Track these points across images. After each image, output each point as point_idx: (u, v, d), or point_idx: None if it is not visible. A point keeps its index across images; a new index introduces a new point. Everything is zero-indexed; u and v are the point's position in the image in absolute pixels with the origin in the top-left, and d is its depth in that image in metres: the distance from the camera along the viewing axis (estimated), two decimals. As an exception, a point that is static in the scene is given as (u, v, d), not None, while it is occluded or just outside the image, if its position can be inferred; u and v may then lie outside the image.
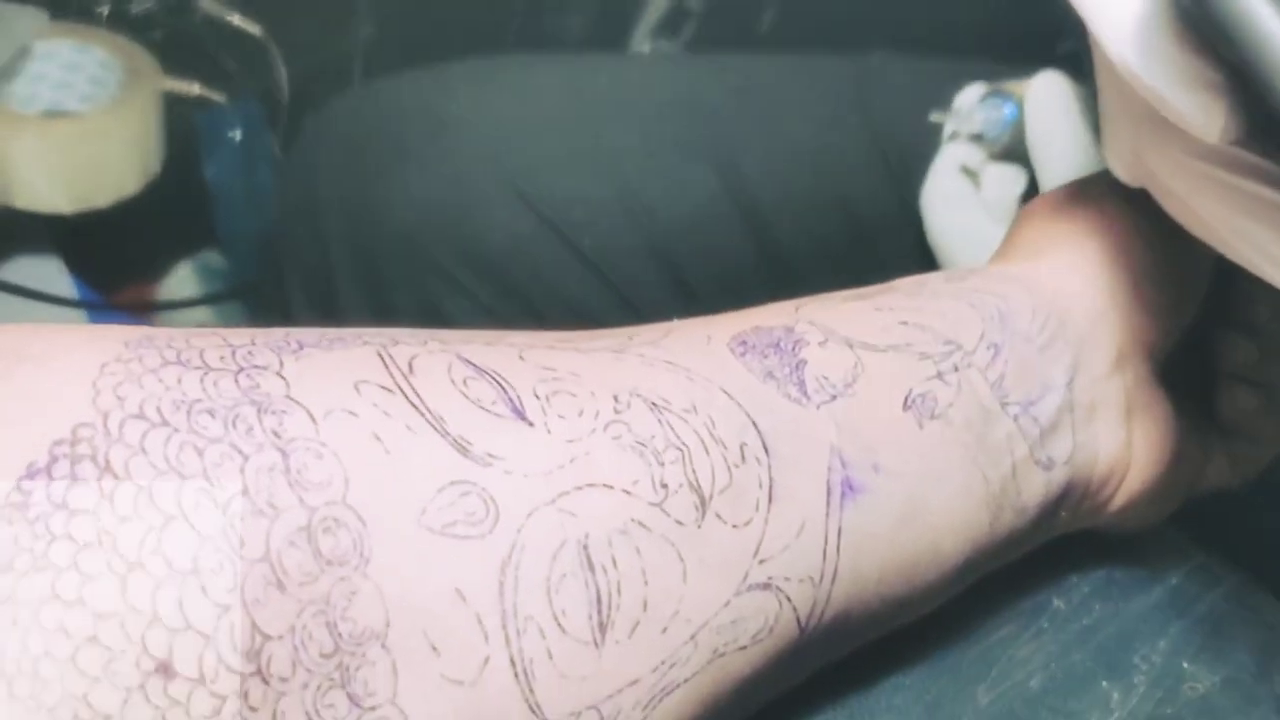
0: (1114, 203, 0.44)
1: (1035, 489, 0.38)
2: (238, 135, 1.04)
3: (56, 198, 0.93)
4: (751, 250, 0.72)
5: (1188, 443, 0.45)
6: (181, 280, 1.16)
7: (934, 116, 0.68)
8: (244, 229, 1.08)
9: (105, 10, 1.01)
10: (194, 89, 1.04)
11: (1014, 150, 0.66)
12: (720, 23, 1.20)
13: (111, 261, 1.11)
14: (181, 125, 1.02)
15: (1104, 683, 0.39)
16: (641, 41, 1.20)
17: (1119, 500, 0.42)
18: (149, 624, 0.23)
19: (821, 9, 1.16)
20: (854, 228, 0.74)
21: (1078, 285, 0.41)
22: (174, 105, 1.01)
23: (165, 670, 0.23)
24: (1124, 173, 0.41)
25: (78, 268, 1.05)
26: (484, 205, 0.70)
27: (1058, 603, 0.42)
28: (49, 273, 1.03)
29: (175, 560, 0.23)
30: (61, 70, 0.96)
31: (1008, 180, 0.67)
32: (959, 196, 0.66)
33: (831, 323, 0.36)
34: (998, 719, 0.37)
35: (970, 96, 0.68)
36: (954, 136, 0.67)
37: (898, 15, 0.93)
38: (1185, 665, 0.41)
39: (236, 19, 1.04)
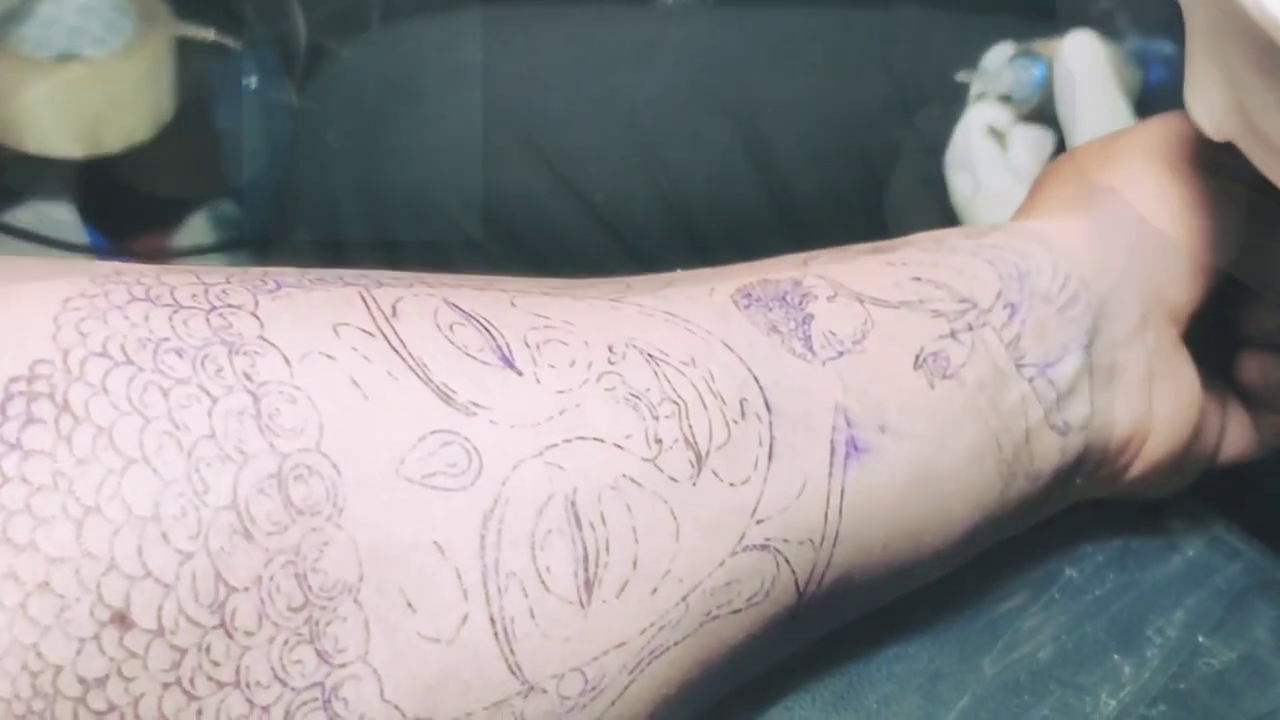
0: (1144, 162, 0.43)
1: (1050, 454, 0.37)
2: (253, 82, 1.03)
3: (68, 142, 0.93)
4: (767, 205, 0.71)
5: (1210, 411, 0.44)
6: (196, 229, 1.16)
7: (961, 76, 0.67)
8: (259, 178, 1.07)
9: (119, -48, 1.00)
10: (209, 35, 1.03)
11: (1043, 112, 0.65)
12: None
13: (124, 209, 1.11)
14: (196, 73, 1.02)
15: (1116, 655, 0.39)
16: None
17: (1137, 468, 0.41)
18: (105, 571, 0.22)
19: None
20: (873, 186, 0.73)
21: (1102, 245, 0.40)
22: (188, 51, 1.00)
23: (122, 620, 0.22)
24: (1210, 125, 0.40)
25: (90, 214, 1.05)
26: (496, 157, 0.70)
27: (1070, 572, 0.41)
28: (61, 219, 1.03)
29: (135, 505, 0.23)
30: (74, 14, 0.95)
31: (1036, 143, 0.66)
32: (985, 158, 0.65)
33: (841, 277, 0.35)
34: (1003, 691, 0.36)
35: (999, 56, 0.67)
36: (981, 96, 0.66)
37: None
38: (1201, 640, 0.40)
39: (253, -37, 1.03)
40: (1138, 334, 0.40)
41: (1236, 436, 0.47)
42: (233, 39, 1.04)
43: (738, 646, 0.30)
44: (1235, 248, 0.44)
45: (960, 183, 0.65)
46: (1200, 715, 0.38)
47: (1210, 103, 0.39)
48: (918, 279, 0.36)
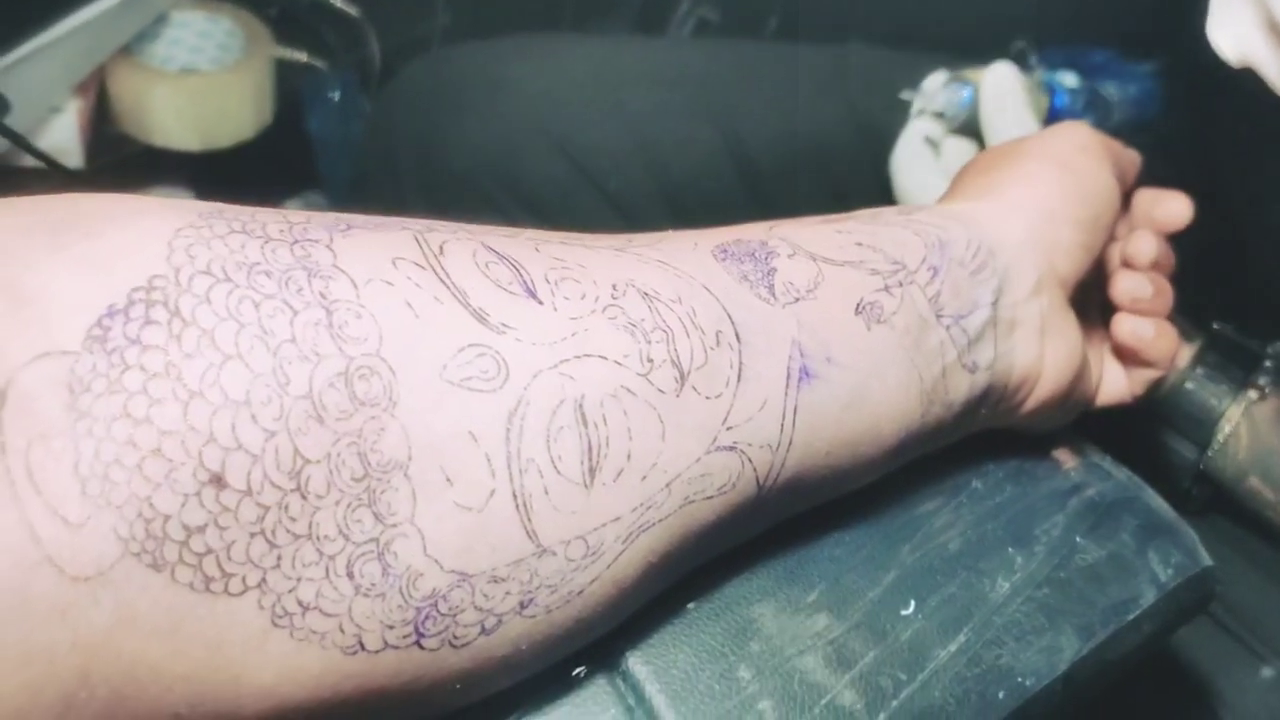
0: (1043, 160, 0.43)
1: (961, 388, 0.37)
2: (336, 96, 1.02)
3: (187, 138, 0.92)
4: (745, 199, 0.71)
5: (1090, 362, 0.44)
6: (291, 214, 1.15)
7: (904, 94, 0.67)
8: (340, 173, 1.07)
9: (231, -12, 0.99)
10: (302, 57, 1.02)
11: (969, 126, 0.64)
12: (733, 32, 1.19)
13: (232, 195, 1.09)
14: (291, 87, 1.01)
15: (1010, 549, 0.38)
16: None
17: (1030, 404, 0.41)
18: (205, 442, 0.22)
19: (818, 15, 1.14)
20: (832, 185, 0.73)
21: (1008, 223, 0.40)
22: (285, 70, 1.00)
23: (218, 482, 0.22)
24: (1233, 51, 0.40)
25: (206, 198, 1.04)
26: (528, 152, 0.70)
27: (976, 483, 0.41)
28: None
29: (231, 392, 0.23)
30: (194, 36, 0.94)
31: (963, 150, 0.65)
32: (922, 161, 0.64)
33: (799, 239, 0.35)
34: (920, 572, 0.36)
35: (935, 80, 0.66)
36: (920, 113, 0.66)
37: (877, 19, 0.91)
38: (1078, 539, 0.40)
39: (339, 2, 1.02)
40: (1034, 295, 0.39)
41: (1112, 385, 0.47)
42: (321, 61, 1.03)
43: (709, 526, 0.30)
44: (1109, 229, 0.44)
45: (902, 180, 0.64)
46: (1075, 598, 0.37)
47: (1236, 27, 0.38)
48: (859, 244, 0.36)
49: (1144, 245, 0.45)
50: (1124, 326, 0.45)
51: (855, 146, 0.72)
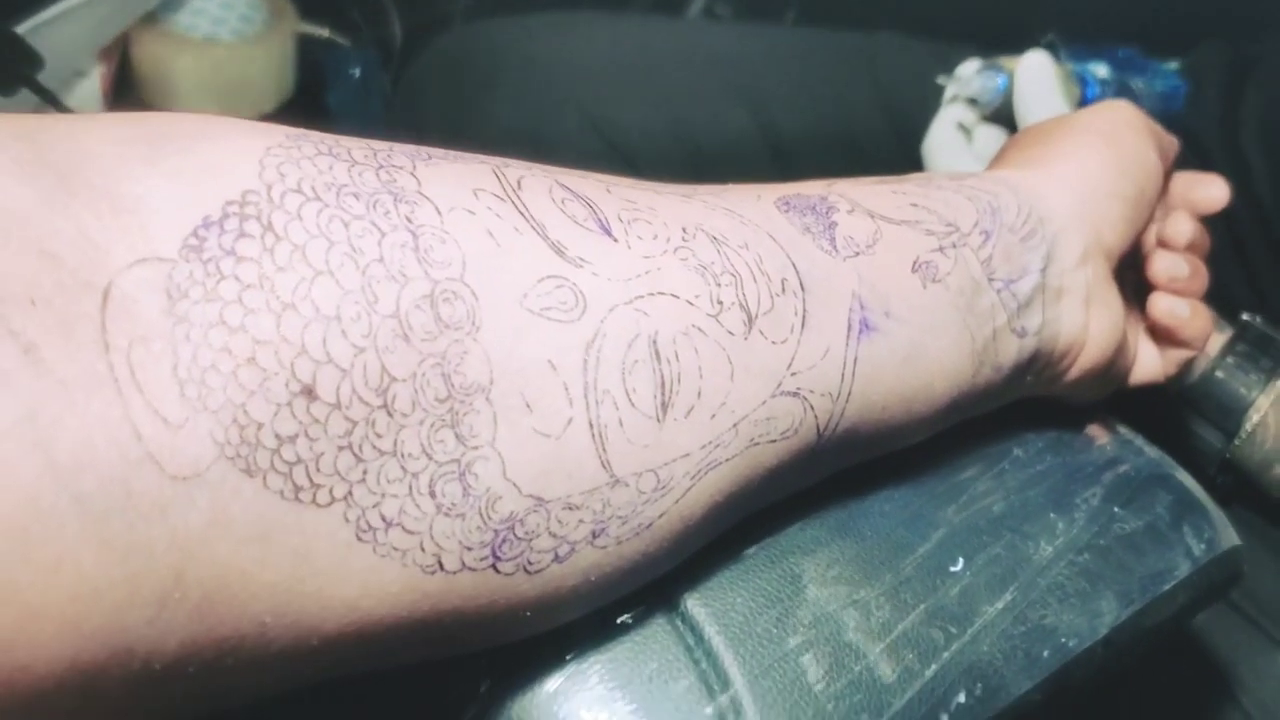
0: (1091, 134, 0.43)
1: (1010, 351, 0.37)
2: (357, 73, 1.03)
3: (208, 106, 0.93)
4: (773, 176, 0.71)
5: (1128, 338, 0.44)
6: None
7: (939, 79, 0.67)
8: (358, 151, 1.07)
9: (257, -39, 1.00)
10: (324, 32, 1.03)
11: (1001, 113, 0.65)
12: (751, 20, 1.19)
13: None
14: (312, 61, 1.01)
15: (1052, 514, 0.38)
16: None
17: (1073, 373, 0.41)
18: (298, 354, 0.22)
19: (835, 9, 1.15)
20: (862, 168, 0.73)
21: (1056, 194, 0.40)
22: (307, 44, 1.00)
23: (309, 393, 0.22)
24: None
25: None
26: (560, 128, 0.70)
27: (1017, 451, 0.41)
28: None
29: (322, 306, 0.23)
30: (217, 6, 0.95)
31: (995, 137, 0.66)
32: (955, 147, 0.65)
33: (858, 197, 0.35)
34: (966, 531, 0.36)
35: (969, 67, 0.67)
36: (954, 99, 0.67)
37: (903, 11, 0.92)
38: (1116, 509, 0.40)
39: (362, -22, 1.03)
40: (1080, 265, 0.40)
41: (1146, 363, 0.47)
42: (343, 37, 1.04)
43: (771, 470, 0.30)
44: (1152, 205, 0.45)
45: (935, 165, 0.65)
46: (1115, 565, 0.38)
47: None
48: (915, 205, 0.36)
49: (1181, 226, 0.46)
50: (1161, 305, 0.45)
51: (885, 131, 0.73)
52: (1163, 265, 0.46)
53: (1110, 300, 0.41)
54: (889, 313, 0.33)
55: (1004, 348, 0.37)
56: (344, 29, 1.04)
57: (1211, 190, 0.49)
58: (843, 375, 0.31)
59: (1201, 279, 0.46)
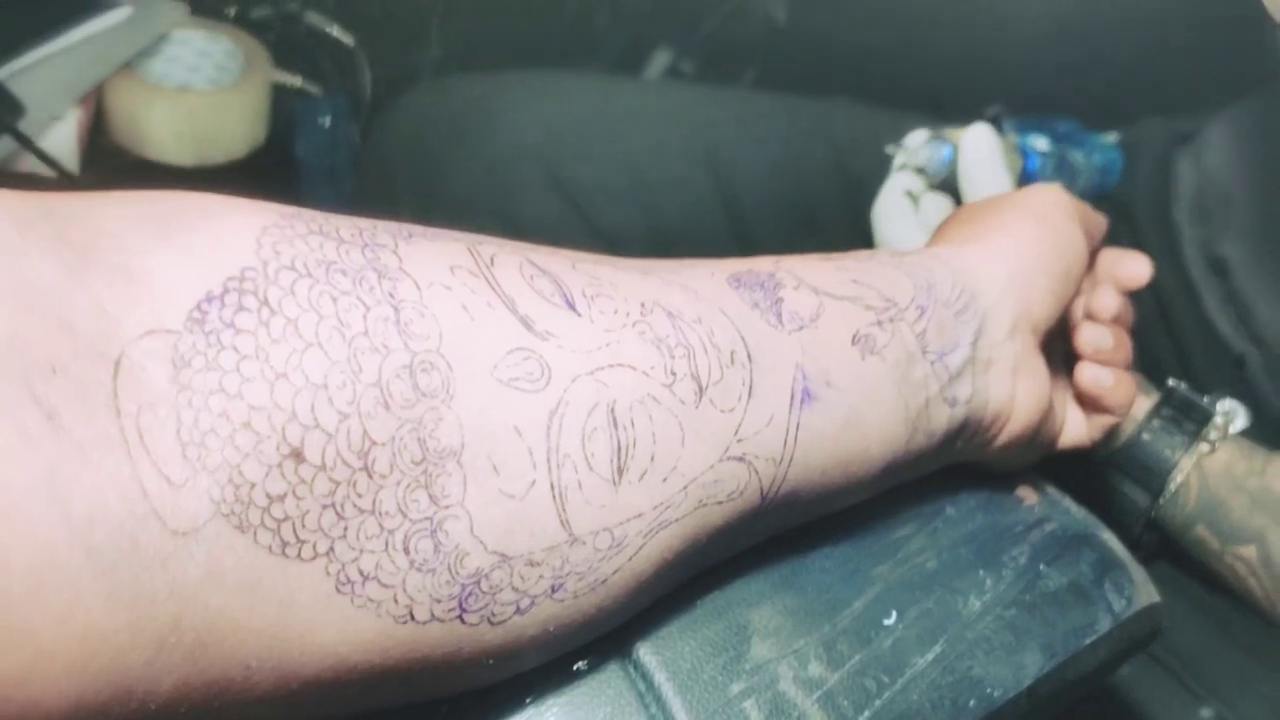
0: (1023, 213, 0.46)
1: (941, 419, 0.40)
2: (327, 122, 1.05)
3: (181, 153, 0.94)
4: (732, 241, 0.74)
5: (1054, 406, 0.47)
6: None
7: (888, 149, 0.70)
8: (322, 198, 1.08)
9: (232, 11, 1.01)
10: (296, 81, 1.04)
11: (947, 183, 0.68)
12: (710, 80, 1.23)
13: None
14: (283, 109, 1.03)
15: (981, 571, 0.41)
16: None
17: (1001, 439, 0.44)
18: (289, 419, 0.24)
19: (791, 72, 1.19)
20: (813, 231, 0.76)
21: (989, 270, 0.43)
22: (279, 93, 1.02)
23: (298, 456, 0.24)
24: None
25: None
26: (522, 185, 0.72)
27: (950, 510, 0.43)
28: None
29: (312, 375, 0.25)
30: (193, 55, 0.96)
31: (941, 205, 0.69)
32: (902, 214, 0.67)
33: (803, 274, 0.38)
34: (899, 586, 0.38)
35: (918, 137, 0.70)
36: (902, 167, 0.69)
37: (856, 81, 0.95)
38: (1042, 567, 0.42)
39: (335, 30, 1.05)
40: (1009, 338, 0.42)
41: (1073, 429, 0.50)
42: (315, 86, 1.06)
43: (718, 529, 0.32)
44: (1078, 282, 0.48)
45: (882, 230, 0.68)
46: (1039, 620, 0.40)
47: None
48: (856, 281, 0.38)
49: (1107, 300, 0.49)
50: (1086, 374, 0.49)
51: (838, 195, 0.76)
52: (1089, 336, 0.49)
53: (1036, 370, 0.44)
54: (830, 383, 0.35)
55: (936, 415, 0.39)
56: (316, 78, 1.06)
57: (1135, 266, 0.52)
58: (785, 441, 0.33)
59: (1126, 350, 0.50)
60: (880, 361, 0.37)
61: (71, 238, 0.24)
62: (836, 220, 0.75)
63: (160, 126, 0.92)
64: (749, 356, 0.33)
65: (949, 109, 0.82)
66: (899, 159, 0.69)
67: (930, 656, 0.37)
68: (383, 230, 0.29)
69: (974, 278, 0.42)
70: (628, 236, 0.71)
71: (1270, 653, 0.58)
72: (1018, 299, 0.43)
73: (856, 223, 0.74)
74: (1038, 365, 0.44)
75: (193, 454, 0.23)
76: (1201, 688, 0.57)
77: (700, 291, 0.34)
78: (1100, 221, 0.53)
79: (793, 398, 0.34)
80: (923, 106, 0.83)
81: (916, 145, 0.68)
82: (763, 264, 0.38)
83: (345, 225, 0.29)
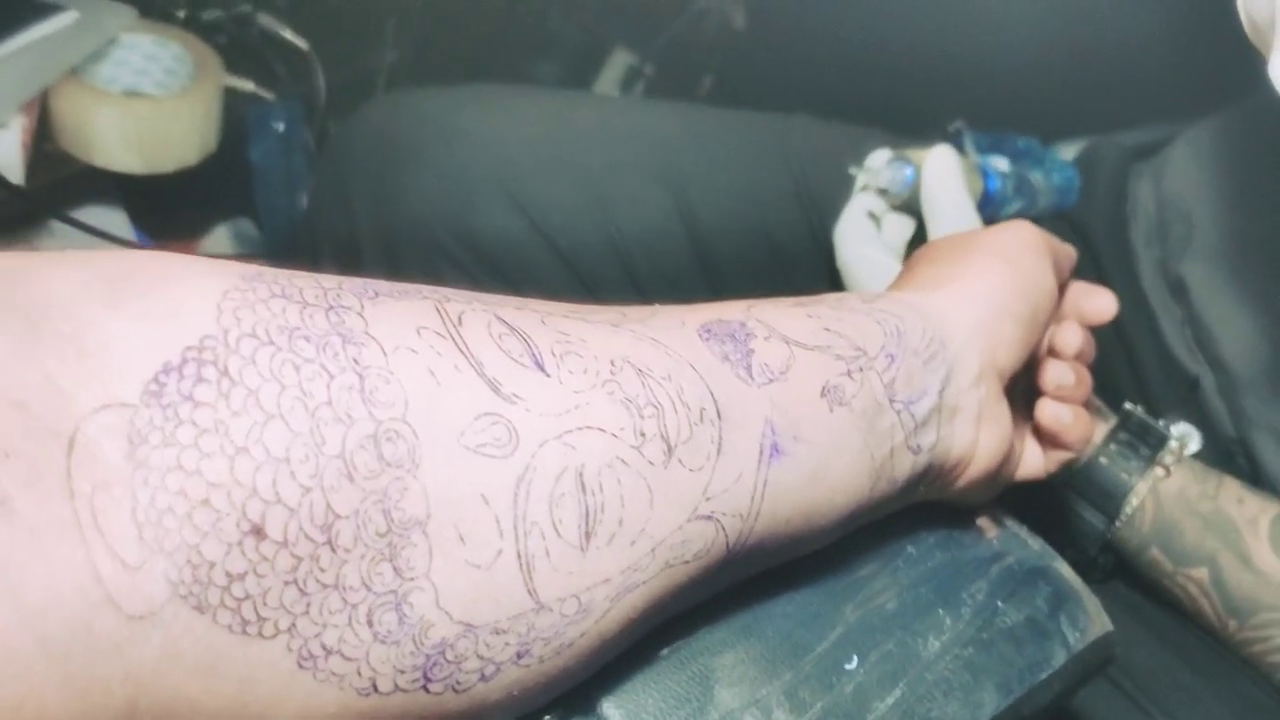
0: (990, 258, 0.46)
1: (905, 467, 0.40)
2: (280, 127, 1.04)
3: (130, 160, 0.93)
4: (692, 259, 0.73)
5: (1015, 443, 0.48)
6: (218, 240, 1.16)
7: (851, 170, 0.71)
8: (277, 204, 1.08)
9: (182, 14, 1.00)
10: (249, 86, 1.04)
11: (909, 204, 0.68)
12: (667, 82, 1.23)
13: (165, 217, 1.11)
14: (235, 115, 1.02)
15: (940, 610, 0.41)
16: (605, 91, 1.22)
17: (962, 482, 0.44)
18: (249, 496, 0.24)
19: (749, 80, 1.19)
20: (773, 250, 0.76)
21: (957, 316, 0.43)
22: (231, 98, 1.01)
23: (258, 533, 0.24)
24: None
25: (138, 218, 1.05)
26: (481, 203, 0.71)
27: (910, 549, 0.44)
28: (114, 220, 1.02)
29: (273, 449, 0.24)
30: (142, 59, 0.95)
31: (902, 226, 0.69)
32: (864, 234, 0.68)
33: (774, 322, 0.37)
34: (861, 630, 0.39)
35: (879, 158, 0.70)
36: (864, 188, 0.70)
37: (813, 90, 0.96)
38: (999, 604, 0.43)
39: (288, 34, 1.04)
40: (975, 385, 0.43)
41: (1030, 462, 0.51)
42: (268, 91, 1.05)
43: (683, 586, 0.32)
44: (1046, 326, 0.48)
45: (844, 251, 0.68)
46: (996, 657, 0.41)
47: None
48: (827, 329, 0.38)
49: (1071, 337, 0.50)
50: (1047, 411, 0.49)
51: (796, 212, 0.76)
52: (1051, 374, 0.50)
53: (1000, 416, 0.44)
54: (798, 436, 0.35)
55: (900, 463, 0.39)
56: (268, 83, 1.05)
57: (1100, 302, 0.53)
58: (753, 497, 0.33)
59: (1086, 386, 0.50)
60: (848, 412, 0.37)
61: (19, 306, 0.24)
62: (796, 237, 0.75)
63: (108, 133, 0.91)
64: (718, 413, 0.33)
65: (907, 117, 0.83)
66: (861, 180, 0.70)
67: (890, 700, 0.37)
68: (348, 290, 0.29)
69: (943, 324, 0.42)
70: (586, 254, 0.71)
71: (1220, 673, 0.59)
72: (985, 345, 0.43)
73: (817, 241, 0.75)
74: (1001, 410, 0.45)
75: (149, 535, 0.23)
76: (1154, 707, 0.58)
77: (670, 345, 0.34)
78: (1070, 254, 0.53)
79: (761, 453, 0.34)
80: (881, 116, 0.84)
81: (878, 166, 0.69)
82: (734, 311, 0.37)
83: (309, 286, 0.28)
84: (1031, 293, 0.46)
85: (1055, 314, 0.52)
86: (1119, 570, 0.65)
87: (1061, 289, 0.53)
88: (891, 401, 0.39)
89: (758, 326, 0.37)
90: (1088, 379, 0.50)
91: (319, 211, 0.79)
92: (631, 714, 0.33)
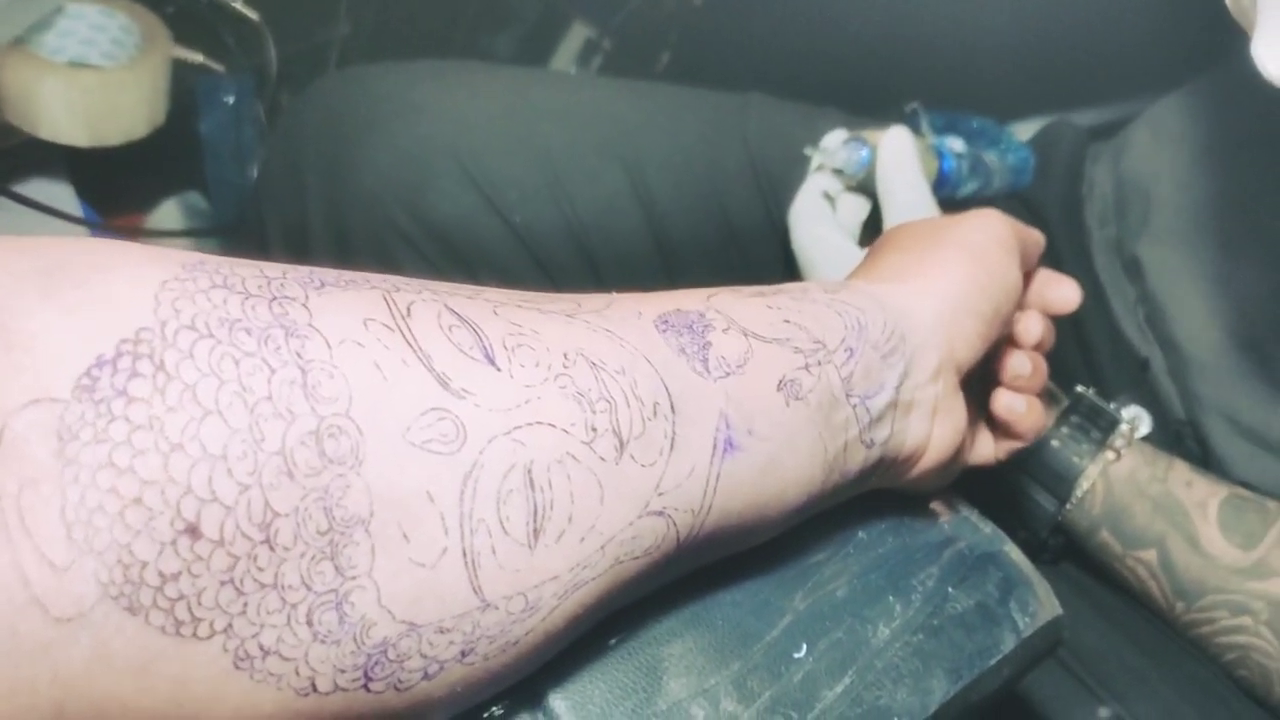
0: (956, 251, 0.46)
1: (857, 460, 0.40)
2: (230, 100, 1.02)
3: (76, 133, 0.91)
4: (647, 238, 0.73)
5: (968, 433, 0.48)
6: (167, 214, 1.14)
7: (807, 150, 0.71)
8: (228, 178, 1.06)
9: (130, -17, 0.98)
10: (198, 58, 1.02)
11: (865, 184, 0.68)
12: (625, 58, 1.22)
13: (113, 191, 1.09)
14: (184, 87, 1.00)
15: (890, 597, 0.41)
16: (562, 66, 1.21)
17: (914, 473, 0.44)
18: (184, 494, 0.23)
19: (707, 57, 1.19)
20: (728, 229, 0.76)
21: (919, 310, 0.43)
22: (180, 69, 0.99)
23: (193, 531, 0.24)
24: (1277, 69, 0.44)
25: (85, 193, 1.03)
26: (436, 179, 0.71)
27: (861, 534, 0.44)
28: (60, 194, 1.01)
29: (209, 446, 0.24)
30: (88, 29, 0.93)
31: (857, 206, 0.69)
32: (819, 215, 0.68)
33: (733, 314, 0.37)
34: (811, 617, 0.39)
35: (835, 138, 0.70)
36: (819, 168, 0.70)
37: (770, 67, 0.96)
38: (950, 590, 0.43)
39: (238, 4, 1.02)
40: (932, 380, 0.42)
41: (981, 448, 0.51)
42: (218, 63, 1.03)
43: (632, 581, 0.32)
44: (1007, 323, 0.48)
45: (799, 231, 0.68)
46: (946, 644, 0.41)
47: None
48: (787, 321, 0.38)
49: (1032, 326, 0.50)
50: (1002, 401, 0.50)
51: (752, 192, 0.76)
52: (1009, 365, 0.50)
53: (954, 409, 0.44)
54: (752, 431, 0.35)
55: (852, 457, 0.39)
56: (218, 55, 1.03)
57: (1063, 292, 0.53)
58: (705, 492, 0.33)
59: (1041, 376, 0.51)
60: (804, 407, 0.37)
61: None
62: (751, 217, 0.75)
63: (53, 104, 0.89)
64: (672, 408, 0.33)
65: (864, 96, 0.83)
66: (816, 160, 0.69)
67: (839, 689, 0.38)
68: (293, 280, 0.28)
69: (904, 319, 0.42)
70: (542, 233, 0.71)
71: (1167, 654, 0.60)
72: (944, 341, 0.43)
73: (771, 220, 0.75)
74: (956, 404, 0.45)
75: (78, 534, 0.23)
76: (1101, 688, 0.58)
77: (626, 338, 0.33)
78: (1038, 241, 0.53)
79: (715, 448, 0.34)
80: (837, 95, 0.84)
81: (834, 146, 0.69)
82: (693, 301, 0.37)
83: (252, 276, 0.28)
84: (995, 289, 0.46)
85: (1018, 305, 0.52)
86: (1069, 552, 0.65)
87: (1028, 276, 0.53)
88: (848, 396, 0.39)
89: (716, 318, 0.36)
90: (1044, 369, 0.50)
91: (268, 188, 0.78)
92: (578, 705, 0.33)
